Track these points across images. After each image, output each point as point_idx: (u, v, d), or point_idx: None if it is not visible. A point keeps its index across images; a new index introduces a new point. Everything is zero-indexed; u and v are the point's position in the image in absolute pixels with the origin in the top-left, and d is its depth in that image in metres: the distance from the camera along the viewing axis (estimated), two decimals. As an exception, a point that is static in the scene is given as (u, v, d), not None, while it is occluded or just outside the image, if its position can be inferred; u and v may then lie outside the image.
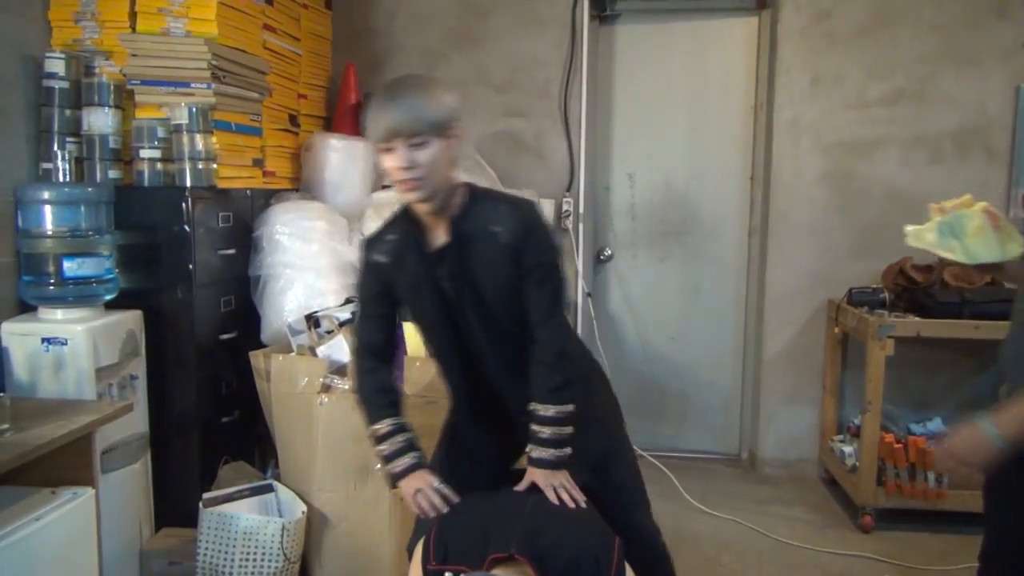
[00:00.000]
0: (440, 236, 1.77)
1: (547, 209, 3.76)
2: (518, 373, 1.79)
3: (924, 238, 1.73)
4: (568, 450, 1.75)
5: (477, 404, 1.92)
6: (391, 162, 1.66)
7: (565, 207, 3.79)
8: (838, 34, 3.59)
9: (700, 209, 4.00)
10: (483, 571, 1.54)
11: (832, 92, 3.63)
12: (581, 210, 3.81)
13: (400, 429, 1.83)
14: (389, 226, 1.85)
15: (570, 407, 1.75)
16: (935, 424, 3.49)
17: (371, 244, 1.85)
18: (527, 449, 1.78)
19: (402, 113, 1.65)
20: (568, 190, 3.82)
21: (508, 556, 1.54)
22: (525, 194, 3.55)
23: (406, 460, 1.80)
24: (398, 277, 1.81)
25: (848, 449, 3.44)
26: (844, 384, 3.73)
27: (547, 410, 1.74)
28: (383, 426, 1.82)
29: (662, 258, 4.05)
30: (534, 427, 1.76)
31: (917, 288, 3.32)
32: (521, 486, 1.77)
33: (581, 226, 3.81)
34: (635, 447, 3.92)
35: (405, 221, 1.81)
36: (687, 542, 3.13)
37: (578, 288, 3.84)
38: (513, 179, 3.75)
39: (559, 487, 1.73)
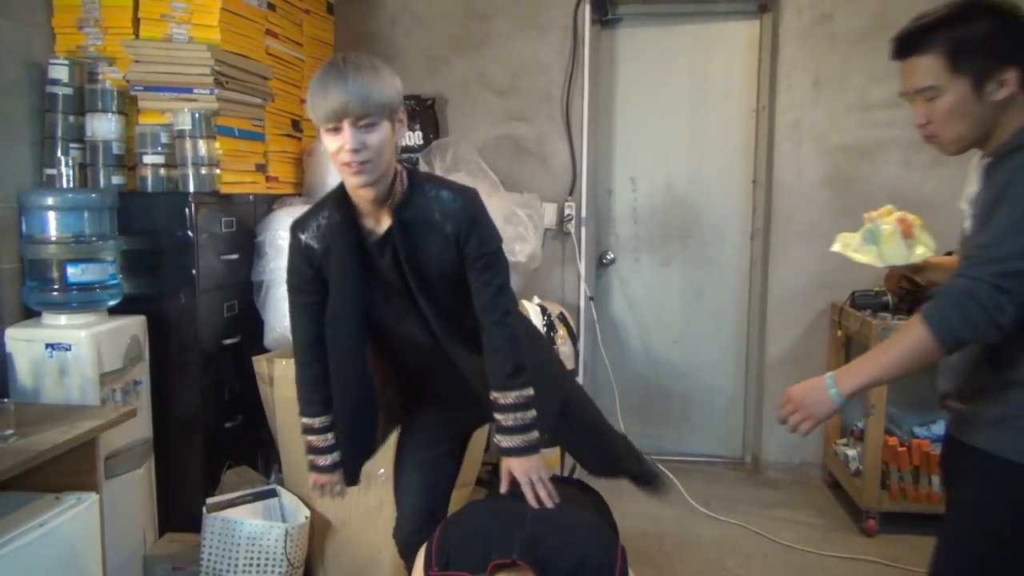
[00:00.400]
0: (380, 223, 1.75)
1: (549, 213, 3.77)
2: (467, 337, 1.81)
3: (847, 245, 1.88)
4: (535, 434, 1.77)
5: (417, 377, 1.95)
6: (337, 143, 1.62)
7: (567, 211, 3.79)
8: (840, 37, 3.60)
9: (702, 212, 4.00)
10: (481, 570, 1.54)
11: (834, 95, 3.63)
12: (583, 214, 3.81)
13: (329, 427, 1.89)
14: (319, 208, 1.79)
15: (529, 391, 1.76)
16: (939, 427, 3.48)
17: (300, 226, 1.79)
18: (496, 439, 1.79)
19: (354, 93, 1.58)
20: (570, 194, 3.82)
21: (511, 562, 1.54)
22: (526, 198, 3.57)
23: (332, 457, 1.90)
24: (326, 263, 1.77)
25: (852, 452, 3.43)
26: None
27: (506, 398, 1.75)
28: (316, 421, 1.89)
29: (664, 261, 4.05)
30: (498, 416, 1.77)
31: (920, 291, 3.30)
32: (503, 486, 1.77)
33: (583, 230, 3.81)
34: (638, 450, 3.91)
35: (338, 205, 1.75)
36: (691, 546, 3.13)
37: (580, 292, 3.84)
38: (515, 183, 3.75)
39: (536, 482, 1.74)
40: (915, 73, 1.53)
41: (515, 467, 1.75)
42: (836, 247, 1.92)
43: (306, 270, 1.79)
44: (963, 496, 1.55)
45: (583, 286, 3.83)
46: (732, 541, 3.19)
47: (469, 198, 1.76)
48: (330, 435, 1.89)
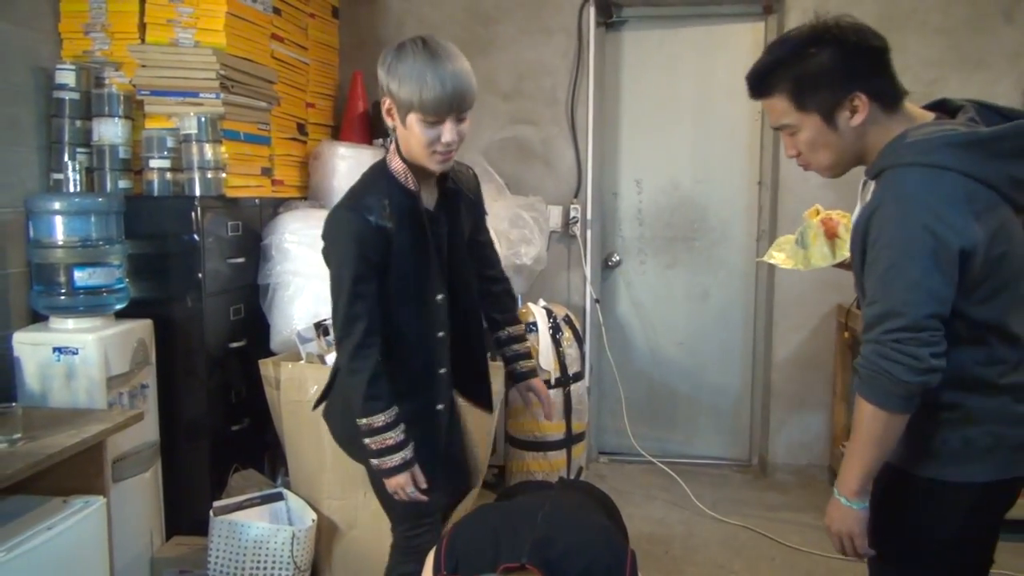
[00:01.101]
0: (431, 197, 1.87)
1: (554, 215, 3.77)
2: (475, 309, 2.04)
3: (777, 251, 1.89)
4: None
5: (448, 352, 1.97)
6: (433, 133, 1.68)
7: (573, 213, 3.79)
8: (845, 38, 3.59)
9: (708, 214, 3.99)
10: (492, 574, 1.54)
11: (839, 96, 3.62)
12: (589, 216, 3.81)
13: (399, 420, 1.79)
14: (372, 192, 1.78)
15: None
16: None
17: (366, 212, 1.74)
18: (518, 366, 2.12)
19: (463, 86, 1.68)
20: (576, 196, 3.82)
21: (519, 566, 1.53)
22: (532, 201, 3.57)
23: (405, 453, 1.79)
24: (398, 240, 1.76)
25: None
26: (854, 389, 3.71)
27: (518, 329, 2.13)
28: (384, 416, 1.77)
29: (670, 263, 4.04)
30: (515, 346, 2.11)
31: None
32: (541, 398, 2.14)
33: (589, 232, 3.81)
34: (644, 453, 3.92)
35: (391, 183, 1.78)
36: (698, 549, 3.12)
37: (586, 294, 3.84)
38: (521, 186, 3.75)
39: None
40: (772, 112, 1.54)
41: (537, 383, 2.13)
42: (768, 257, 1.91)
43: (374, 255, 1.75)
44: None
45: (589, 288, 3.83)
46: (739, 544, 3.18)
47: (468, 166, 2.05)
48: (401, 428, 1.79)
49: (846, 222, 1.78)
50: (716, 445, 4.09)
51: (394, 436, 1.78)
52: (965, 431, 1.44)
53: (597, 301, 3.87)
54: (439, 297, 1.89)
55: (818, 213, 1.83)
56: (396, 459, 1.79)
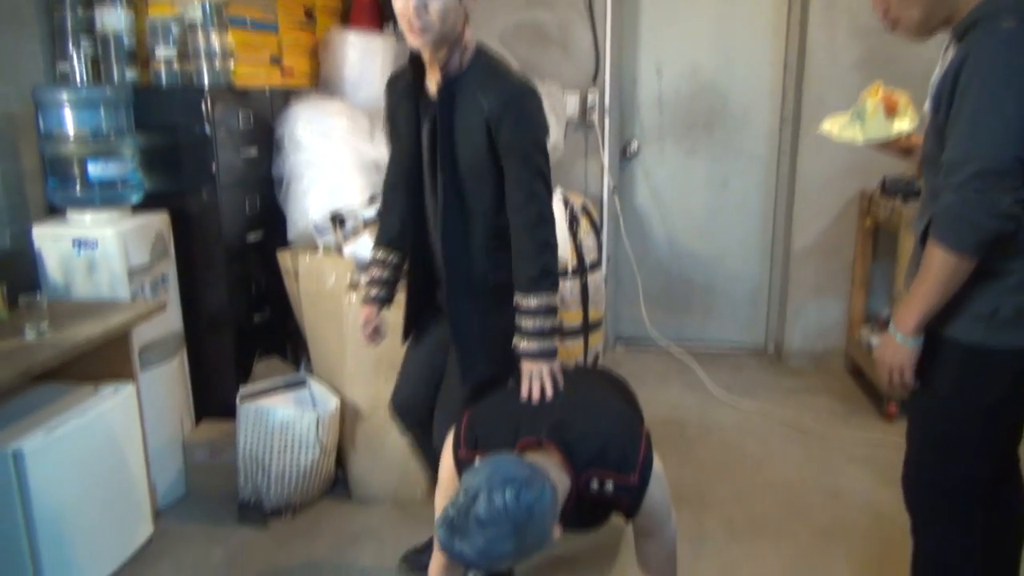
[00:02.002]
0: (434, 88, 1.81)
1: (572, 102, 3.68)
2: (462, 241, 1.84)
3: (833, 125, 1.87)
4: (553, 343, 1.77)
5: (416, 254, 2.00)
6: (404, 3, 1.67)
7: (590, 100, 3.70)
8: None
9: (730, 99, 3.88)
10: (509, 450, 1.58)
11: (871, -30, 3.44)
12: (607, 103, 3.72)
13: (383, 263, 2.06)
14: (404, 66, 1.90)
15: (552, 298, 1.76)
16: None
17: (391, 83, 1.97)
18: (514, 341, 1.80)
19: None
20: (593, 82, 3.72)
21: (537, 442, 1.57)
22: (550, 87, 3.47)
23: (376, 291, 2.07)
24: (397, 115, 1.93)
25: (876, 340, 3.43)
26: (874, 275, 3.69)
27: (528, 301, 1.77)
28: (376, 252, 2.07)
29: (690, 151, 3.96)
30: (518, 318, 1.78)
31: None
32: (522, 391, 1.76)
33: (607, 119, 3.72)
34: (661, 340, 3.96)
35: (413, 64, 1.84)
36: (711, 432, 3.19)
37: (604, 183, 3.79)
38: (537, 71, 3.65)
39: (536, 379, 1.74)
40: None
41: (525, 367, 1.77)
42: (823, 128, 1.91)
43: (390, 122, 1.99)
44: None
45: (606, 177, 3.78)
46: (753, 426, 3.24)
47: (518, 89, 1.75)
48: (382, 271, 2.06)
49: (904, 100, 1.80)
50: (732, 332, 4.12)
51: (374, 271, 2.11)
52: (1018, 299, 1.47)
53: (615, 189, 3.82)
54: (417, 190, 1.93)
55: (878, 91, 1.82)
56: (371, 291, 2.10)
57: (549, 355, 1.77)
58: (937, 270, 1.45)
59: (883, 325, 3.46)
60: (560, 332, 3.16)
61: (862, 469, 2.87)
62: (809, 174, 3.68)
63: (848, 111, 1.87)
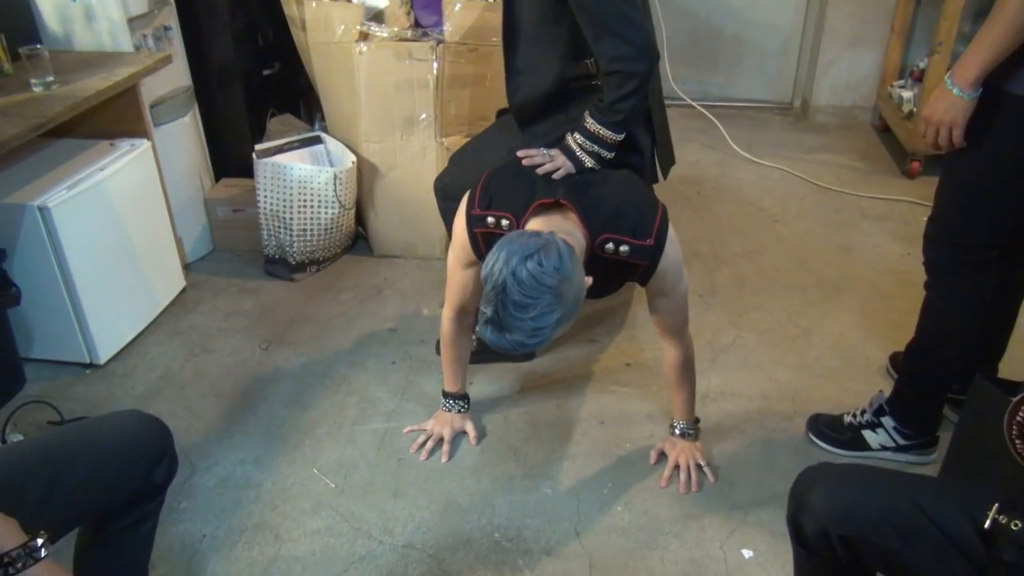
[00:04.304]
0: None
1: None
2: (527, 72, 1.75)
3: None
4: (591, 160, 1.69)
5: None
6: None
7: None
8: None
9: None
10: (523, 209, 1.58)
11: None
12: None
13: None
14: None
15: (612, 133, 1.65)
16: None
17: None
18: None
19: None
20: None
21: (554, 201, 1.57)
22: None
23: None
24: None
25: (907, 94, 3.30)
26: (915, 24, 3.47)
27: (589, 123, 1.66)
28: None
29: None
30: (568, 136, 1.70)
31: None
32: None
33: None
34: (684, 96, 3.84)
35: None
36: (729, 188, 3.18)
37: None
38: None
39: (555, 162, 1.69)
40: None
41: (557, 152, 1.71)
42: None
43: None
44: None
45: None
46: (771, 183, 3.23)
47: None
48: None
49: None
50: (758, 87, 3.97)
51: None
52: None
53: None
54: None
55: None
56: None
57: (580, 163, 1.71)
58: (1013, 12, 1.34)
59: (918, 77, 3.31)
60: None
61: (876, 226, 2.89)
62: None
63: None
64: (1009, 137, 1.49)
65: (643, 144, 1.89)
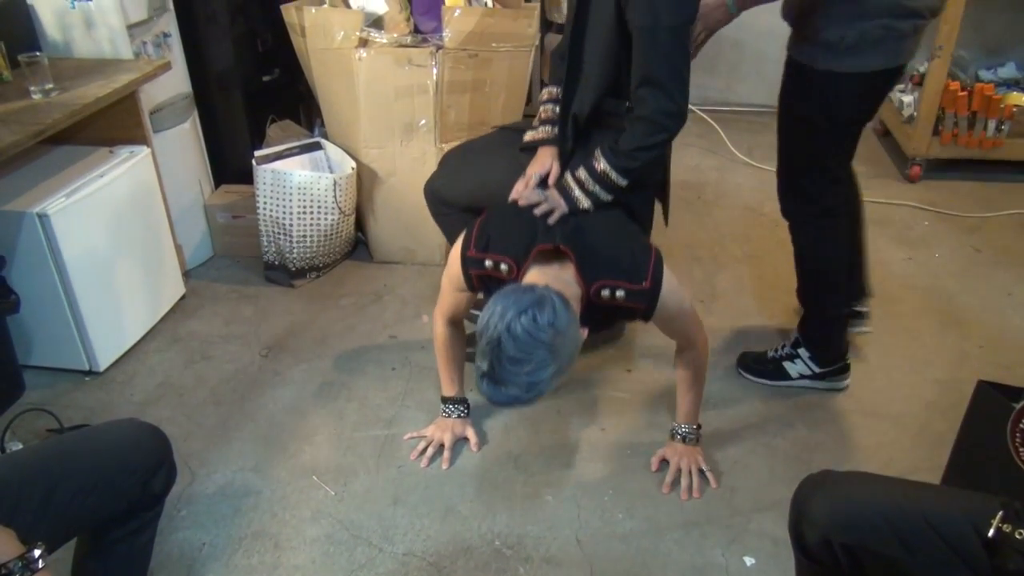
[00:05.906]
0: None
1: None
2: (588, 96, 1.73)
3: None
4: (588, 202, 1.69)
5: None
6: None
7: None
8: None
9: None
10: (523, 255, 1.59)
11: None
12: None
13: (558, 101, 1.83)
14: None
15: (619, 178, 1.66)
16: (1007, 70, 3.30)
17: None
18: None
19: None
20: None
21: (554, 247, 1.56)
22: None
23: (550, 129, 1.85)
24: None
25: (908, 99, 3.30)
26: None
27: (599, 163, 1.66)
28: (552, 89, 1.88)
29: None
30: (567, 175, 1.71)
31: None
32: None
33: None
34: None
35: None
36: (730, 193, 3.18)
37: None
38: None
39: (551, 204, 1.68)
40: None
41: (551, 192, 1.71)
42: None
43: None
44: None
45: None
46: (771, 188, 3.18)
47: None
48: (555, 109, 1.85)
49: None
50: (759, 93, 3.96)
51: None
52: (861, 25, 1.63)
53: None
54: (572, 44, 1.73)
55: None
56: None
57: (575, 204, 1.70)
58: None
59: (918, 81, 3.31)
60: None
61: (877, 230, 2.88)
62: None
63: None
64: (817, 102, 1.76)
65: (651, 185, 1.94)
